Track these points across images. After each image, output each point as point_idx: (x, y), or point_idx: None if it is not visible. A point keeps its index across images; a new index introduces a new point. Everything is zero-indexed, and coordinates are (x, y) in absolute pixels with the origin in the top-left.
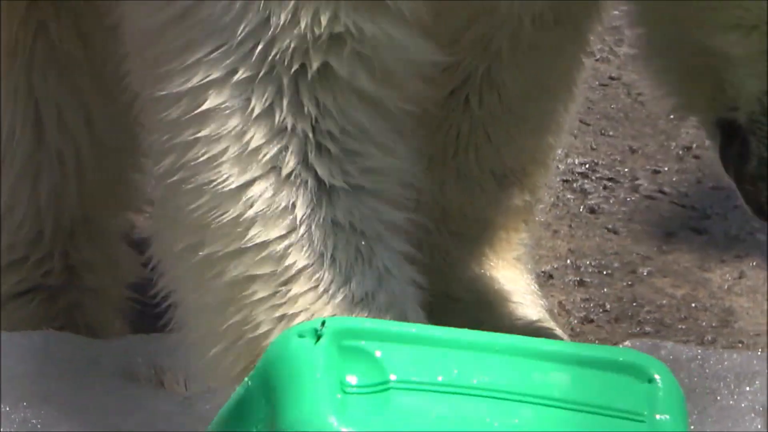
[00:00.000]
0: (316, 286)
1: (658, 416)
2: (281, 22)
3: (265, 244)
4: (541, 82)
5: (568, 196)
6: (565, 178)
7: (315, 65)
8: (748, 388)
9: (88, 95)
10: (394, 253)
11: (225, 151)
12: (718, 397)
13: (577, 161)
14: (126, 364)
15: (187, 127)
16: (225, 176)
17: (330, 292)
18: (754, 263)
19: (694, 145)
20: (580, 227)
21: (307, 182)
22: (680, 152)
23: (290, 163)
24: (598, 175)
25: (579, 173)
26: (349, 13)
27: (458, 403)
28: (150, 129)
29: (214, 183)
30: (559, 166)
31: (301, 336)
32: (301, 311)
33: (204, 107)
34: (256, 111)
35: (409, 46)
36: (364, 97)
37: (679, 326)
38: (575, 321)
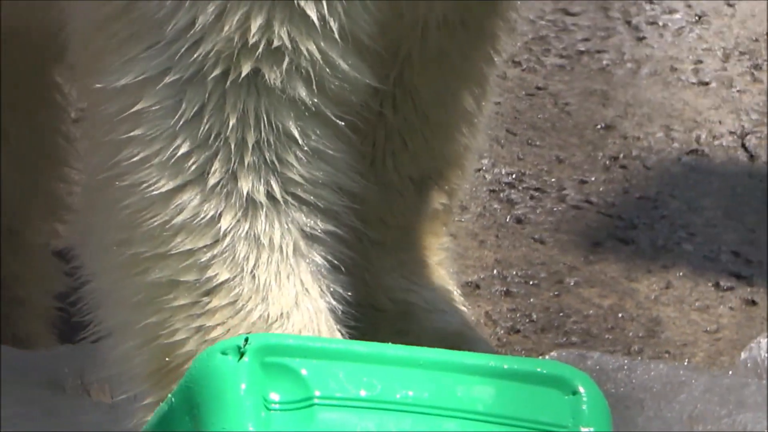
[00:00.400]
0: (235, 302)
1: (582, 428)
2: (207, 22)
3: (190, 253)
4: (453, 85)
5: (495, 206)
6: (491, 188)
7: (244, 71)
8: (674, 398)
9: (3, 109)
10: (314, 267)
11: (157, 153)
12: (645, 408)
13: (503, 171)
14: (53, 374)
15: (122, 124)
16: (155, 179)
17: (247, 309)
18: (681, 273)
19: (621, 155)
20: (507, 237)
21: (233, 193)
22: (607, 162)
23: (217, 172)
24: (524, 185)
25: (506, 183)
26: (284, 23)
27: (382, 419)
28: (91, 122)
29: (145, 185)
30: (486, 176)
31: (224, 353)
32: (218, 324)
33: (138, 107)
34: (186, 115)
35: (345, 66)
36: (297, 105)
37: (606, 336)
38: (502, 331)
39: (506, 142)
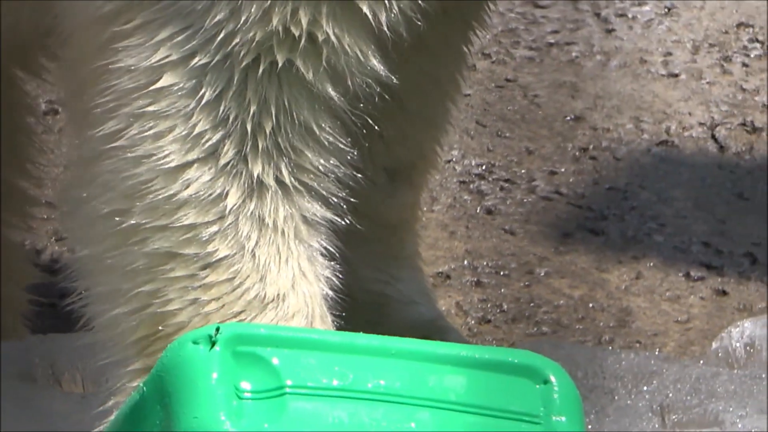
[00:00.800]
0: (232, 278)
1: (554, 417)
2: (252, 17)
3: (192, 227)
4: (431, 75)
5: (465, 197)
6: (461, 179)
7: (276, 61)
8: (645, 388)
9: None
10: (312, 252)
11: (171, 129)
12: (616, 397)
13: (473, 162)
14: (24, 365)
15: (138, 99)
16: (166, 153)
17: (244, 287)
18: (651, 264)
19: (591, 147)
20: (477, 228)
21: (241, 174)
22: (577, 153)
23: (228, 153)
24: (494, 177)
25: (476, 174)
26: (331, 18)
27: (354, 408)
28: (91, 94)
29: (155, 158)
30: (456, 167)
31: (195, 342)
32: (213, 299)
33: (158, 85)
34: (206, 97)
35: (375, 63)
36: (320, 98)
37: (577, 326)
38: (473, 321)
39: (476, 133)
